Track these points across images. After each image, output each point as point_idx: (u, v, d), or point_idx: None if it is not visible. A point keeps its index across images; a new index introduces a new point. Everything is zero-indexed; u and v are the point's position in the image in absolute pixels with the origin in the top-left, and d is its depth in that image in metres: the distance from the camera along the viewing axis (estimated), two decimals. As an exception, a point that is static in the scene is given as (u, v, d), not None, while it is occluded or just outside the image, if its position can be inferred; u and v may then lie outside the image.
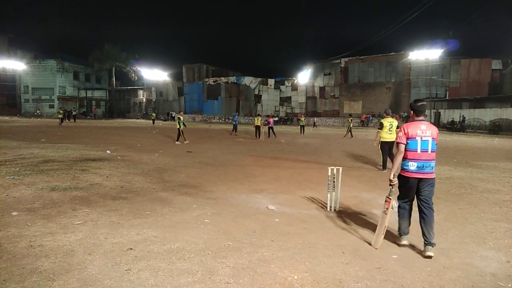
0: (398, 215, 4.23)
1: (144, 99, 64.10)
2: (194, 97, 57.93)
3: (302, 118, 27.98)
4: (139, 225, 4.60)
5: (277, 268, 3.45)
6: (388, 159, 9.49)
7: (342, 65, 48.40)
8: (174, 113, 54.94)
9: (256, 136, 21.28)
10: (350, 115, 29.44)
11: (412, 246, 4.09)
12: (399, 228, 4.21)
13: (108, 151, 12.11)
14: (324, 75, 50.41)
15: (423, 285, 3.17)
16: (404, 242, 4.15)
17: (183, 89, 59.25)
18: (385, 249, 4.03)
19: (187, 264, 3.47)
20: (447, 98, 40.76)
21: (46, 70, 59.25)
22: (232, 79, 55.60)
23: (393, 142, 9.13)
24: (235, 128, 24.79)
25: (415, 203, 4.13)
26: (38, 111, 52.07)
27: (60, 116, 30.39)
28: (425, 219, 3.94)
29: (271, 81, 53.85)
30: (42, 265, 3.32)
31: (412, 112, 4.19)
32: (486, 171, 9.81)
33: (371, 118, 43.51)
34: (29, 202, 5.44)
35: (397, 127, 9.28)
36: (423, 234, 3.91)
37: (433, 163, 3.99)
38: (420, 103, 4.15)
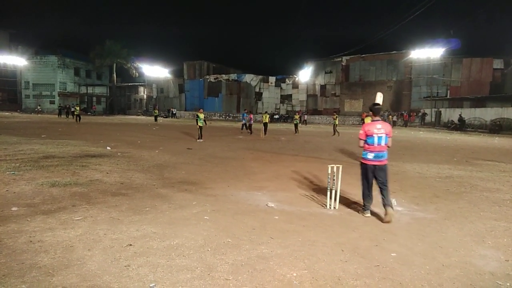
0: (362, 195, 5.43)
1: (145, 96, 64.03)
2: (194, 94, 57.82)
3: (296, 116, 26.80)
4: (138, 221, 4.61)
5: (276, 265, 3.46)
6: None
7: (343, 63, 48.25)
8: (175, 110, 54.91)
9: (264, 134, 21.36)
10: (335, 112, 29.23)
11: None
12: (364, 205, 5.41)
13: (108, 148, 12.11)
14: (325, 73, 50.27)
15: (422, 283, 3.18)
16: (367, 215, 5.32)
17: (183, 86, 59.13)
18: (384, 247, 4.03)
19: (186, 260, 3.48)
20: (448, 97, 40.66)
21: (47, 66, 59.21)
22: (233, 76, 55.46)
23: None
24: (244, 126, 24.75)
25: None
26: (38, 107, 52.10)
27: (76, 113, 29.57)
28: (383, 192, 5.14)
29: (272, 79, 53.70)
30: (42, 260, 3.33)
31: (371, 112, 5.42)
32: (486, 170, 9.81)
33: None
34: (29, 198, 5.45)
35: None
36: (383, 200, 5.14)
37: (385, 153, 5.24)
38: (377, 106, 5.40)
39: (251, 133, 22.30)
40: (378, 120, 5.25)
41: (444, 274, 3.40)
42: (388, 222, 4.96)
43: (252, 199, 6.10)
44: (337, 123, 24.33)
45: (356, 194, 6.68)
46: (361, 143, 5.32)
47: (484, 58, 39.44)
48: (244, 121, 24.87)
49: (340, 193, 5.74)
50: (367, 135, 5.22)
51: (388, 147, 5.27)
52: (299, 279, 3.19)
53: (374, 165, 5.19)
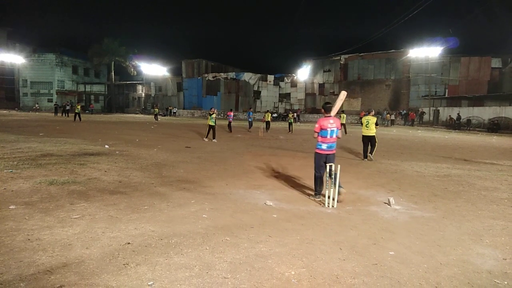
0: (315, 181, 6.20)
1: (143, 94, 63.90)
2: (193, 93, 57.75)
3: (290, 115, 26.39)
4: (137, 219, 4.60)
5: (275, 263, 3.46)
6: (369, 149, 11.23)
7: (342, 62, 48.27)
8: (176, 108, 54.81)
9: (266, 130, 23.01)
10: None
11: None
12: (315, 190, 6.20)
13: (106, 146, 12.09)
14: (324, 71, 50.28)
15: (420, 282, 3.18)
16: (319, 199, 6.06)
17: (182, 84, 59.04)
18: (382, 246, 4.04)
19: (184, 258, 3.47)
20: (446, 96, 40.73)
21: (45, 64, 58.97)
22: (232, 75, 55.40)
23: (370, 136, 11.05)
24: (250, 125, 24.69)
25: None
26: (36, 105, 51.90)
27: (77, 111, 28.47)
28: (333, 178, 5.70)
29: (271, 77, 53.65)
30: (40, 258, 3.32)
31: (323, 110, 6.34)
32: (484, 169, 9.83)
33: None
34: (27, 196, 5.43)
35: (376, 124, 11.12)
36: (334, 185, 5.74)
37: (335, 144, 6.16)
38: (328, 105, 6.33)
39: (230, 131, 21.74)
40: (330, 116, 6.12)
41: (442, 272, 3.41)
42: (341, 201, 5.89)
43: (250, 198, 6.11)
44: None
45: (354, 193, 6.70)
46: (315, 135, 6.17)
47: (482, 57, 39.50)
48: (250, 119, 24.89)
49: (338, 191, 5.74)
50: (321, 129, 6.05)
51: (338, 138, 6.18)
52: (298, 277, 3.19)
53: (327, 154, 6.07)
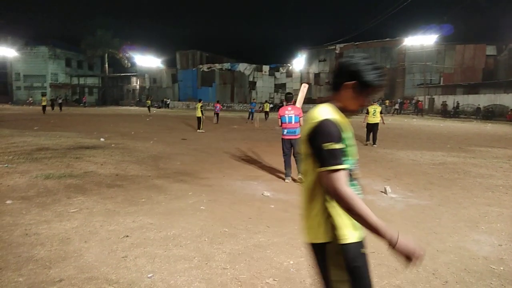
0: (284, 164, 6.81)
1: (138, 86, 63.47)
2: (188, 84, 57.38)
3: (267, 105, 28.12)
4: (135, 212, 4.60)
5: (273, 253, 3.48)
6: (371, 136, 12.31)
7: (337, 51, 48.06)
8: (169, 100, 54.51)
9: (266, 119, 25.22)
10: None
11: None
12: (285, 173, 6.81)
13: (102, 139, 12.03)
14: (319, 61, 50.09)
15: (417, 269, 3.22)
16: (287, 180, 6.70)
17: (177, 75, 58.66)
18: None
19: (183, 250, 3.49)
20: (441, 84, 40.78)
21: (38, 57, 58.35)
22: (227, 65, 55.06)
23: (375, 123, 12.08)
24: (251, 115, 24.80)
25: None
26: (30, 99, 51.38)
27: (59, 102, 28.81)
28: (297, 162, 6.42)
29: (266, 68, 53.42)
30: (38, 253, 3.32)
31: (284, 99, 7.23)
32: (479, 157, 9.89)
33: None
34: (24, 191, 5.41)
35: (380, 112, 12.24)
36: (298, 169, 6.59)
37: (297, 130, 6.62)
38: (289, 95, 7.09)
39: (217, 122, 21.83)
40: (290, 104, 6.88)
41: (439, 259, 3.44)
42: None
43: (248, 189, 6.12)
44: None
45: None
46: (279, 122, 6.86)
47: (477, 45, 39.52)
48: (252, 110, 25.08)
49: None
50: (281, 116, 6.77)
51: (301, 125, 6.64)
52: (296, 267, 3.21)
53: (289, 139, 6.70)
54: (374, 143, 12.09)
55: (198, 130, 16.43)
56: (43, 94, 32.43)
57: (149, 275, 2.96)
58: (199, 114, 16.71)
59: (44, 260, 3.18)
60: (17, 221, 4.11)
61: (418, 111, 37.85)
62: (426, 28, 37.24)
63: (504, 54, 38.00)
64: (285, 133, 6.76)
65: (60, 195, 5.27)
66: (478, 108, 32.72)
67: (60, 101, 36.61)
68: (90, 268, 3.06)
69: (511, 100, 30.93)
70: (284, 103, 7.21)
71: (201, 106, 16.98)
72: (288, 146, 6.75)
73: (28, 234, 3.75)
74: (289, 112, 6.71)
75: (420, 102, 38.61)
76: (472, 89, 37.16)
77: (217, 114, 22.54)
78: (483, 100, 33.71)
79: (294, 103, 6.99)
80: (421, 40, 38.26)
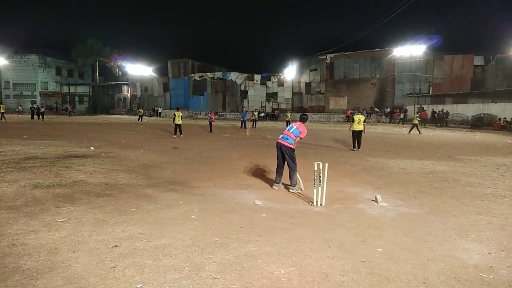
0: (276, 172, 7.05)
1: (129, 95, 63.18)
2: (179, 93, 57.34)
3: (288, 114, 28.23)
4: (124, 222, 4.54)
5: (264, 263, 3.46)
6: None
7: (328, 61, 48.51)
8: (161, 108, 54.33)
9: (253, 126, 26.09)
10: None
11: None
12: (275, 180, 7.06)
13: (92, 148, 11.92)
14: (310, 70, 50.46)
15: (408, 278, 3.22)
16: (275, 187, 6.96)
17: (168, 84, 58.59)
18: (370, 243, 4.08)
19: (173, 260, 3.45)
20: (430, 93, 41.35)
21: (28, 65, 57.97)
22: (218, 74, 55.19)
23: (359, 131, 13.37)
24: (243, 124, 24.41)
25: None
26: (19, 107, 50.85)
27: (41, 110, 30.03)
28: (290, 173, 6.72)
29: (258, 77, 53.61)
30: (25, 263, 3.25)
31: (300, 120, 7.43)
32: (469, 165, 10.01)
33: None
34: (11, 200, 5.32)
35: (364, 121, 13.63)
36: (290, 179, 6.76)
37: (288, 137, 6.88)
38: (304, 116, 7.54)
39: (210, 131, 21.92)
40: (300, 122, 7.27)
41: (429, 268, 3.45)
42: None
43: (239, 198, 6.10)
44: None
45: (342, 191, 6.75)
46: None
47: (465, 55, 40.22)
48: (244, 119, 24.62)
49: (326, 190, 5.77)
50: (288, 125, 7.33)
51: (297, 137, 6.94)
52: (287, 276, 3.20)
53: (280, 143, 6.91)
54: (359, 148, 13.55)
55: (174, 136, 18.15)
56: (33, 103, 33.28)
57: (138, 286, 2.92)
58: (180, 121, 18.68)
59: (31, 271, 3.11)
60: (4, 231, 4.03)
61: (422, 120, 36.67)
62: (415, 39, 37.82)
63: (491, 65, 38.72)
64: (279, 136, 7.05)
65: (49, 204, 5.19)
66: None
67: (42, 109, 33.53)
68: (78, 279, 3.00)
69: (499, 110, 31.50)
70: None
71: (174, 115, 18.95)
72: (279, 152, 6.93)
73: (15, 244, 3.68)
74: (295, 125, 7.11)
75: (424, 112, 37.98)
76: (460, 98, 37.75)
77: (211, 123, 22.67)
78: (471, 109, 34.25)
79: (304, 121, 7.31)
80: (410, 51, 38.80)
